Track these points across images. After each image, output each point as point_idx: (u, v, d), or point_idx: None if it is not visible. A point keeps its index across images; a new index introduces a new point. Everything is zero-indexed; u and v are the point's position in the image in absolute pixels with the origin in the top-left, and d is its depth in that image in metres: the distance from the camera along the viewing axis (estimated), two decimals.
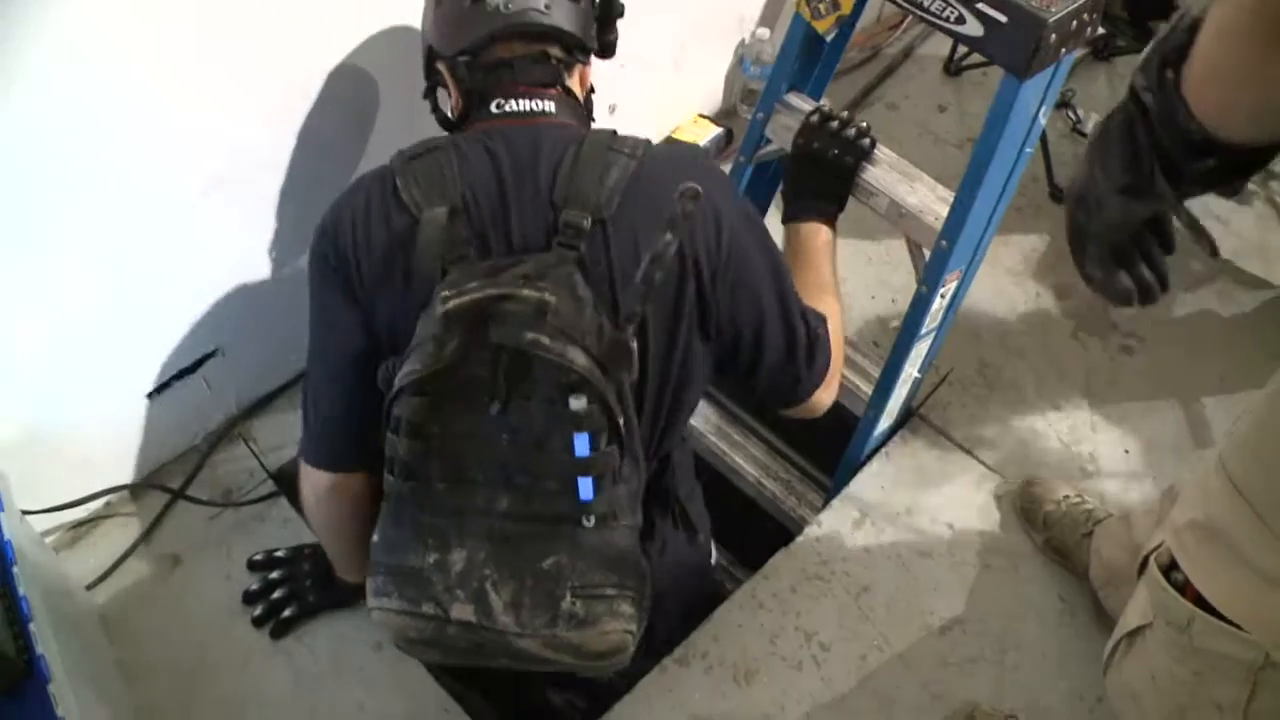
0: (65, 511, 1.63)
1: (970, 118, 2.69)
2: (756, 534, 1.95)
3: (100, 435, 1.63)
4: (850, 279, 2.23)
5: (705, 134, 2.46)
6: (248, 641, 1.58)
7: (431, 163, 1.18)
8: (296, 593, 1.60)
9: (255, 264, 1.69)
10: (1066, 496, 1.79)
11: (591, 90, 1.41)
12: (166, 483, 1.74)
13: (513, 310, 1.07)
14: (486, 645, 1.19)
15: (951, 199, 1.51)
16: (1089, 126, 2.63)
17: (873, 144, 1.56)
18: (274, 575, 1.62)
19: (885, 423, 1.84)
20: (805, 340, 1.30)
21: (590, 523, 1.14)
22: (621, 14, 1.40)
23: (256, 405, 1.87)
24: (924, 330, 1.63)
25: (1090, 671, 1.61)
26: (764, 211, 1.87)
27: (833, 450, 1.90)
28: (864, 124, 1.56)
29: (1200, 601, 0.99)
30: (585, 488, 1.12)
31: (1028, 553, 1.78)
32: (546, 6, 1.26)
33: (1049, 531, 1.76)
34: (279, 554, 1.65)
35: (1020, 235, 2.37)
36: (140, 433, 1.71)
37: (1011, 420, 1.99)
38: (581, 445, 1.10)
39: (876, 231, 2.26)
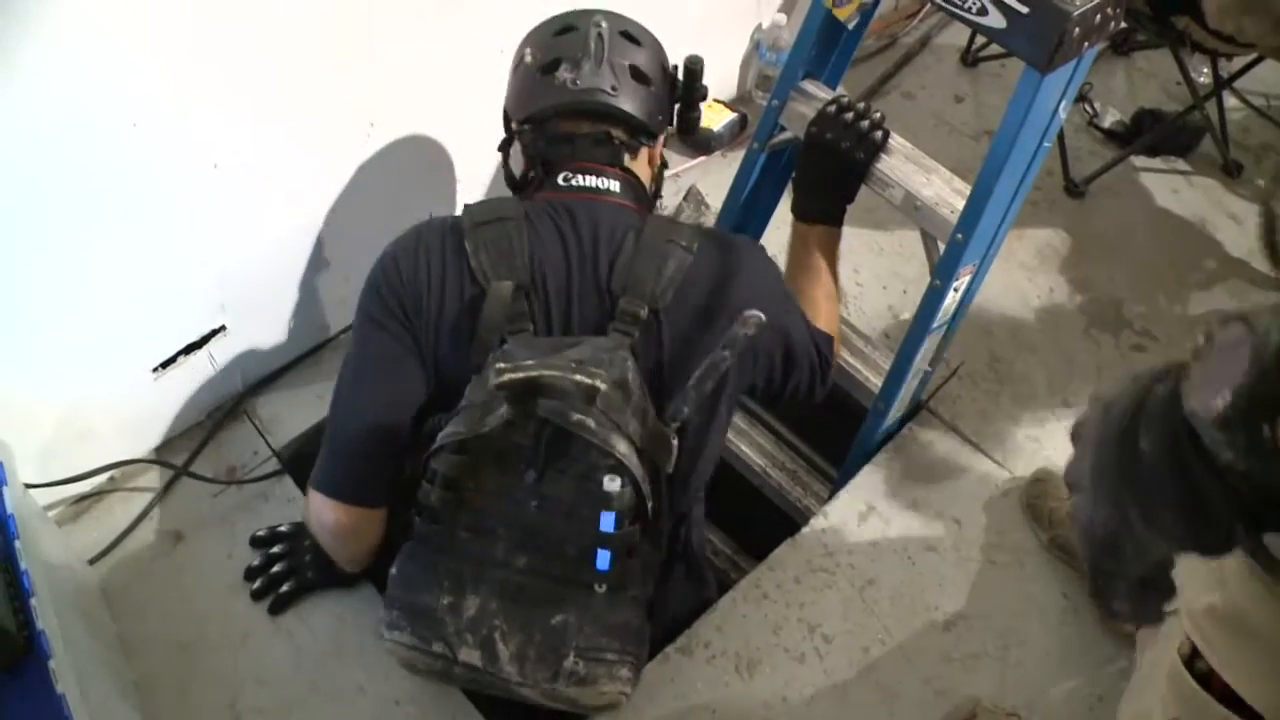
0: (69, 485, 1.63)
1: (987, 109, 2.66)
2: (761, 523, 1.94)
3: (105, 409, 1.62)
4: (862, 270, 2.22)
5: (719, 119, 2.44)
6: (248, 619, 1.57)
7: (500, 233, 1.23)
8: (296, 568, 1.59)
9: (264, 241, 1.68)
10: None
11: (664, 165, 1.46)
12: (170, 459, 1.74)
13: (563, 389, 1.11)
14: (488, 686, 1.26)
15: (967, 192, 1.49)
16: (1106, 121, 2.61)
17: (886, 135, 1.55)
18: (275, 550, 1.61)
19: (894, 415, 1.82)
20: (821, 373, 1.45)
21: (602, 589, 1.20)
22: (705, 97, 1.45)
23: (262, 383, 1.87)
24: (936, 324, 1.62)
25: (1093, 670, 1.60)
26: (776, 200, 1.86)
27: (840, 441, 1.89)
28: (878, 114, 1.54)
29: (1228, 694, 0.92)
30: (603, 559, 1.18)
31: (1033, 549, 1.76)
32: (614, 88, 1.31)
33: (1054, 529, 1.75)
34: (282, 529, 1.64)
35: (1035, 229, 2.35)
36: (145, 408, 1.70)
37: (1021, 416, 1.97)
38: (607, 522, 1.15)
39: (889, 222, 2.24)
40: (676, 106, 1.45)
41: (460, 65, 1.75)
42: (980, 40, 2.77)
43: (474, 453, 1.15)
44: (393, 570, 1.23)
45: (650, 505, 1.19)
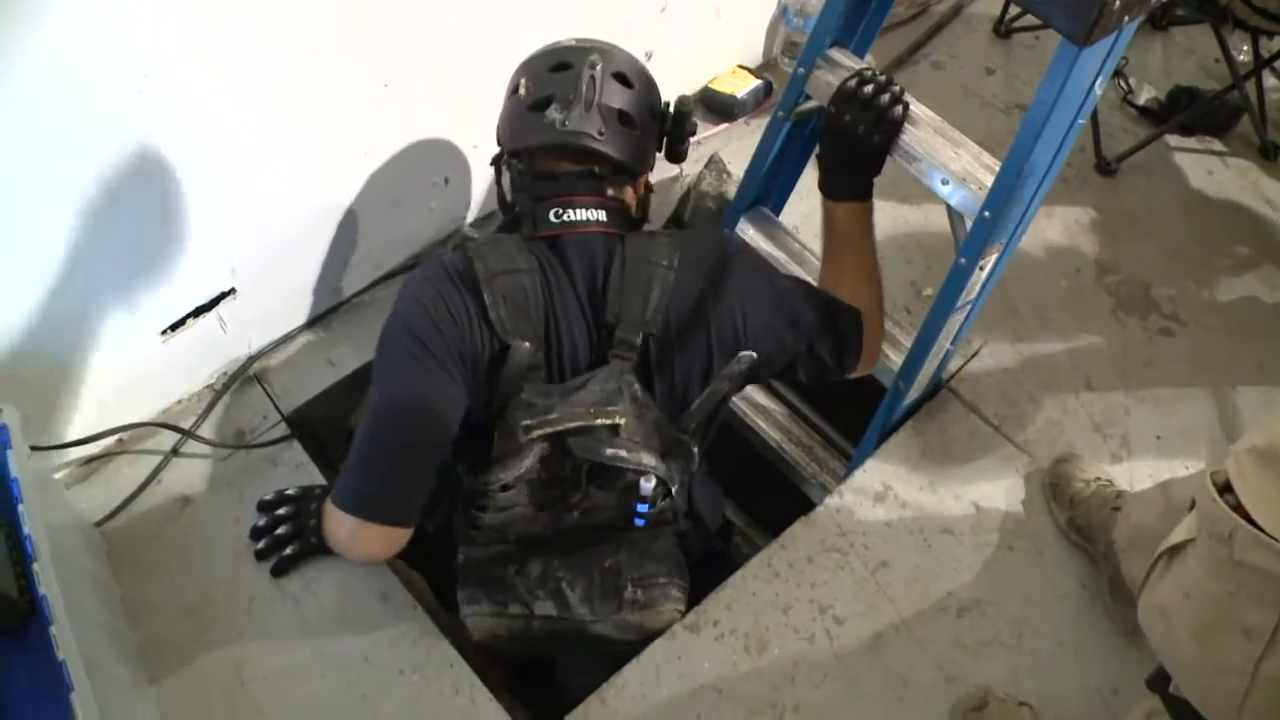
0: (76, 448, 1.62)
1: (1019, 82, 2.60)
2: (775, 498, 1.92)
3: (113, 371, 1.60)
4: (885, 244, 2.15)
5: (744, 85, 2.39)
6: (254, 585, 1.56)
7: (516, 286, 1.30)
8: (300, 532, 1.57)
9: (275, 203, 1.65)
10: (1097, 478, 1.74)
11: (649, 190, 1.50)
12: (179, 422, 1.72)
13: (589, 429, 1.28)
14: (564, 634, 1.45)
15: (996, 168, 1.45)
16: (1140, 97, 2.54)
17: (905, 109, 1.50)
18: (280, 512, 1.60)
19: (914, 394, 1.79)
20: (833, 355, 1.46)
21: (638, 530, 1.43)
22: (694, 132, 1.52)
23: (272, 347, 1.85)
24: (960, 303, 1.58)
25: (1107, 662, 1.58)
26: (799, 170, 1.82)
27: (858, 418, 1.85)
28: (898, 88, 1.50)
29: (1249, 522, 1.00)
30: (639, 522, 1.40)
31: (1052, 536, 1.73)
32: (600, 133, 1.35)
33: (1074, 510, 1.72)
34: (289, 492, 1.62)
35: (1064, 207, 2.30)
36: (153, 370, 1.68)
37: (1044, 398, 1.93)
38: (642, 508, 1.37)
39: (914, 195, 2.19)
40: (665, 140, 1.50)
41: (475, 28, 1.71)
42: (1014, 10, 2.71)
43: (519, 487, 1.31)
44: (459, 558, 1.44)
45: (675, 487, 1.37)
